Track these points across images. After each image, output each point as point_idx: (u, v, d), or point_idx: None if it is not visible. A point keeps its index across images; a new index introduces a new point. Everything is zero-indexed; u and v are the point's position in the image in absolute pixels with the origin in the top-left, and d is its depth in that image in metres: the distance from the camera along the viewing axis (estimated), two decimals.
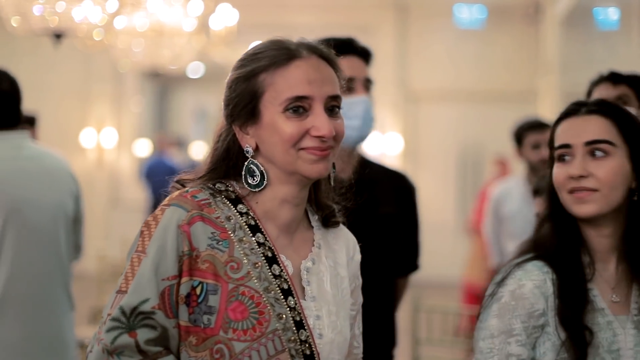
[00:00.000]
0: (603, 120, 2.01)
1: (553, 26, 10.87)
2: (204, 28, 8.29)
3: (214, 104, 20.10)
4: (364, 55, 2.99)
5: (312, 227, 1.96)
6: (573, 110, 2.05)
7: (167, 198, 1.84)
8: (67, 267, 3.48)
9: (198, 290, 1.75)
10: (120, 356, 1.71)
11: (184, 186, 1.90)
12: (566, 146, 2.01)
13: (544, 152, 4.62)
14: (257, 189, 1.84)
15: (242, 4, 9.06)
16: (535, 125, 4.75)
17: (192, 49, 8.56)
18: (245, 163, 1.84)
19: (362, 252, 2.86)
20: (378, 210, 2.96)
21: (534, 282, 1.96)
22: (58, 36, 6.89)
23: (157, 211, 1.81)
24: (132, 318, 1.73)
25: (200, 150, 18.16)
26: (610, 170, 1.96)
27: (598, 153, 1.98)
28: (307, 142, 1.79)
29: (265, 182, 1.83)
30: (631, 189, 2.00)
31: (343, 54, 2.88)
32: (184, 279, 1.75)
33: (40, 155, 3.50)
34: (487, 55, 12.28)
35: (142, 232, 1.80)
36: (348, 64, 2.88)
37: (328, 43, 2.95)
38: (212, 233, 1.79)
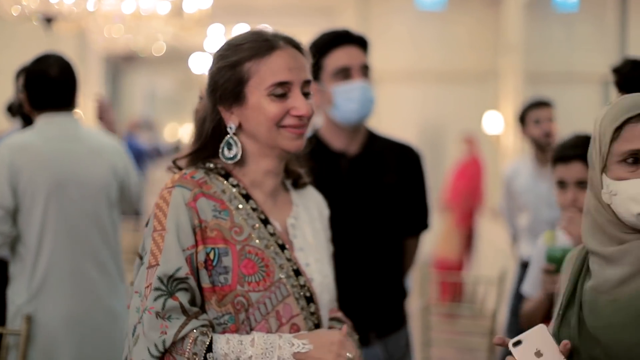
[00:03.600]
0: None
1: (514, 8, 11.13)
2: (179, 11, 8.37)
3: (164, 85, 20.10)
4: (360, 43, 3.24)
5: (288, 190, 2.29)
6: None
7: (170, 180, 2.13)
8: (114, 242, 3.66)
9: (212, 255, 2.04)
10: (170, 319, 1.98)
11: (178, 167, 2.21)
12: None
13: (544, 126, 4.92)
14: (231, 161, 2.14)
15: None
16: (534, 104, 5.05)
17: (167, 32, 8.66)
18: (226, 137, 2.14)
19: (369, 216, 3.22)
20: (382, 179, 3.25)
21: None
22: (49, 20, 6.95)
23: (164, 193, 2.09)
24: (170, 284, 1.99)
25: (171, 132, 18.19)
26: None
27: None
28: (288, 121, 2.10)
29: (238, 156, 2.13)
30: None
31: (340, 44, 3.20)
32: (200, 247, 2.04)
33: (86, 137, 3.69)
34: (448, 36, 12.51)
35: (155, 214, 2.08)
36: (345, 53, 3.20)
37: (325, 34, 3.25)
38: (213, 205, 2.08)
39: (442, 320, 6.50)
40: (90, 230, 3.57)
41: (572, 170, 2.96)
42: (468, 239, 9.50)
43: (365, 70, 3.20)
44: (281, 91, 2.08)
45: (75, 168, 3.56)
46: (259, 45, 2.09)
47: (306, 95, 2.13)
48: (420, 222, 3.41)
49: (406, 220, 3.33)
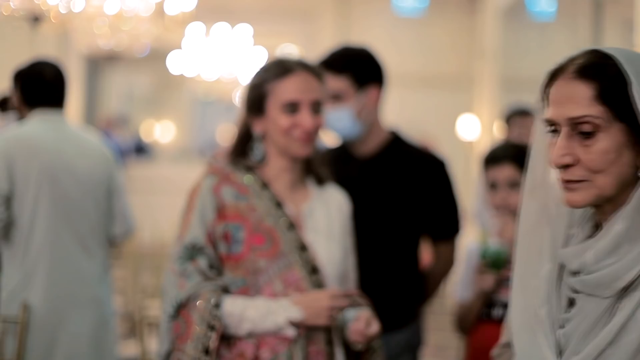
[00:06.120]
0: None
1: (491, 15, 11.32)
2: (161, 12, 8.45)
3: (142, 83, 20.13)
4: (335, 67, 3.34)
5: (309, 185, 2.76)
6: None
7: (204, 171, 2.67)
8: (99, 233, 3.89)
9: (230, 230, 2.56)
10: (189, 278, 2.51)
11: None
12: None
13: (525, 135, 5.05)
14: (258, 161, 2.66)
15: None
16: (522, 112, 5.20)
17: (150, 33, 8.75)
18: (252, 143, 2.67)
19: (377, 214, 3.38)
20: (390, 181, 3.37)
21: None
22: (36, 19, 7.05)
23: (199, 180, 2.63)
24: (191, 250, 2.54)
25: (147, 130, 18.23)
26: None
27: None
28: (296, 133, 2.61)
29: (263, 158, 2.66)
30: None
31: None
32: (219, 223, 2.56)
33: (77, 133, 3.99)
34: (425, 41, 12.67)
35: (190, 196, 2.63)
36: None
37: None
38: (235, 191, 2.61)
39: None
40: (79, 219, 3.79)
41: (503, 172, 3.13)
42: None
43: (335, 98, 3.24)
44: (292, 108, 2.60)
45: (67, 160, 3.78)
46: (279, 69, 2.63)
47: (316, 111, 2.63)
48: (448, 226, 3.47)
49: (427, 224, 3.41)
